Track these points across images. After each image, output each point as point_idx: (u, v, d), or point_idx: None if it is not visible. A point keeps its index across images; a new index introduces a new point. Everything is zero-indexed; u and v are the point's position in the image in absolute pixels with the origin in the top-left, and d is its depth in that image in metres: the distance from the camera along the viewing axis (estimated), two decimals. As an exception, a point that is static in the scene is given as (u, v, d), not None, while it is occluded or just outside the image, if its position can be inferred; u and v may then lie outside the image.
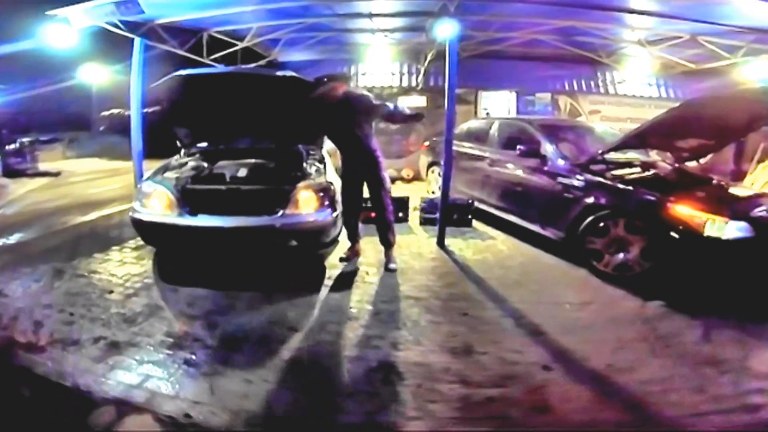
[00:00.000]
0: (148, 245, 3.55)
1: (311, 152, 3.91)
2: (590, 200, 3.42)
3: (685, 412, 1.85)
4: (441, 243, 3.99)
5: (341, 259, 3.49)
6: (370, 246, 3.71)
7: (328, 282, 3.18)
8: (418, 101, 7.66)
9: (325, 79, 3.14)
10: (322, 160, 3.77)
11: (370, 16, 5.30)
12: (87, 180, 7.72)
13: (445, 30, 3.55)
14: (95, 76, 6.26)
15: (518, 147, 3.97)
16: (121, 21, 3.83)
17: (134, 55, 4.11)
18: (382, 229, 3.40)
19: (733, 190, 3.59)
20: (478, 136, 4.96)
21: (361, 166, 3.30)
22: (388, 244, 3.42)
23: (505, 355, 2.29)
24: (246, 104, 3.55)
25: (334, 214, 3.20)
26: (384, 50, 7.08)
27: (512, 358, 2.27)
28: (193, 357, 2.22)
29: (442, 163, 5.53)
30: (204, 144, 4.17)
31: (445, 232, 4.05)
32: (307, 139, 3.93)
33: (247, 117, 3.72)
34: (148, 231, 3.25)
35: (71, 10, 3.47)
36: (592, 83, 7.43)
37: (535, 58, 6.84)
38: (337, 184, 3.44)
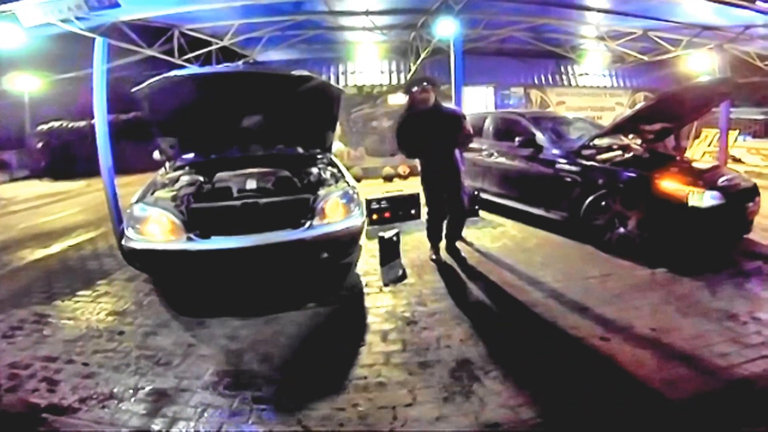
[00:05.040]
0: (147, 275, 3.13)
1: (318, 156, 3.72)
2: (588, 183, 3.74)
3: (734, 361, 2.12)
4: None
5: (434, 260, 3.50)
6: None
7: (367, 290, 3.08)
8: (406, 98, 7.63)
9: (425, 83, 3.16)
10: (333, 164, 3.61)
11: (367, 13, 5.15)
12: (32, 207, 6.58)
13: (447, 28, 3.59)
14: (27, 84, 5.23)
15: (517, 139, 4.20)
16: (79, 18, 3.27)
17: (96, 57, 3.53)
18: (458, 229, 3.56)
19: (695, 165, 4.17)
20: (474, 130, 5.11)
21: (445, 174, 3.35)
22: (458, 238, 3.62)
23: (565, 332, 2.44)
24: (249, 108, 3.26)
25: (363, 220, 3.09)
26: (372, 48, 6.95)
27: (573, 333, 2.42)
28: (262, 394, 2.01)
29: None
30: (191, 155, 3.74)
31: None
32: (312, 142, 3.72)
33: (247, 122, 3.41)
34: (149, 261, 2.82)
35: (22, 5, 2.85)
36: (557, 77, 8.12)
37: (508, 55, 7.24)
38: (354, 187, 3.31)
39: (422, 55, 6.28)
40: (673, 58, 6.41)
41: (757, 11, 4.54)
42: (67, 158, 9.61)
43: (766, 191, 4.01)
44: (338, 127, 3.92)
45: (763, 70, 6.66)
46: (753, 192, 3.70)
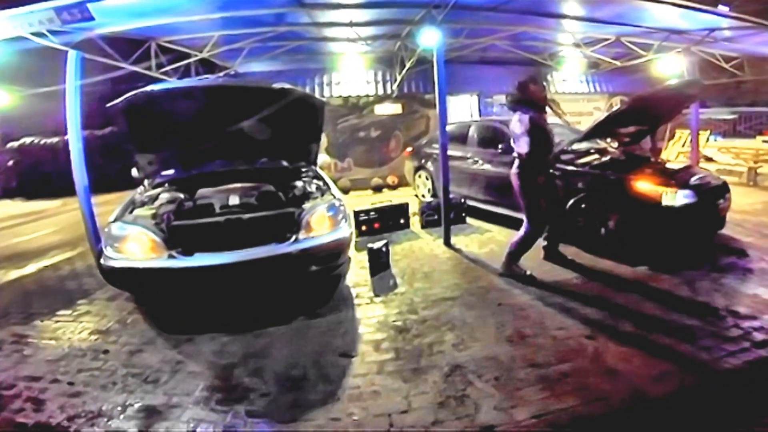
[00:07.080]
0: (129, 294, 3.06)
1: (303, 169, 3.71)
2: (568, 186, 3.84)
3: (719, 354, 2.19)
4: (448, 242, 4.14)
5: (566, 262, 3.48)
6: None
7: (358, 301, 3.08)
8: (394, 108, 7.79)
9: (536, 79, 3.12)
10: (319, 177, 3.60)
11: (351, 24, 5.17)
12: (5, 228, 6.36)
13: (430, 38, 3.66)
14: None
15: (500, 146, 4.30)
16: (51, 31, 3.21)
17: (68, 71, 3.45)
18: (560, 233, 3.48)
19: (668, 165, 4.33)
20: (459, 138, 5.22)
21: (551, 178, 3.33)
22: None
23: (553, 333, 2.49)
24: (230, 122, 3.24)
25: (351, 231, 3.09)
26: (356, 59, 6.99)
27: (560, 334, 2.48)
28: (255, 407, 1.99)
29: (428, 167, 5.74)
30: (170, 171, 3.66)
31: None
32: (296, 155, 3.70)
33: (227, 136, 3.37)
34: (130, 280, 2.74)
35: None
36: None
37: (490, 63, 7.43)
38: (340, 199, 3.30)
39: (407, 65, 6.39)
40: (645, 63, 6.71)
41: (719, 15, 4.80)
42: (40, 177, 9.31)
43: (737, 188, 4.19)
44: (324, 139, 3.92)
45: (729, 71, 7.01)
46: (723, 189, 3.86)
